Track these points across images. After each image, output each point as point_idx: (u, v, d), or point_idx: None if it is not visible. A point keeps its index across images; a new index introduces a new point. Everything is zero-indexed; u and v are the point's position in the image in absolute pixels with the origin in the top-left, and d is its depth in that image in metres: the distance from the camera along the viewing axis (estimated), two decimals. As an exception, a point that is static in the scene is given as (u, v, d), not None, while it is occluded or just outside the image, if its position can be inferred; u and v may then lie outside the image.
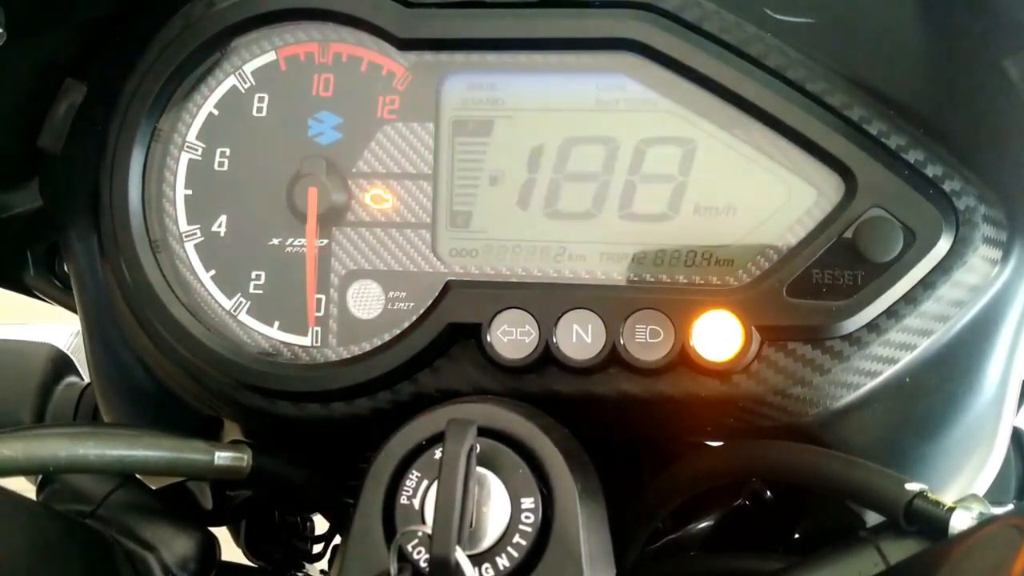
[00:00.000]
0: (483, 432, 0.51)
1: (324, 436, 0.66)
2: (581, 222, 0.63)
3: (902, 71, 0.60)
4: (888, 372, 0.60)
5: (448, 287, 0.62)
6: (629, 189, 0.62)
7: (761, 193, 0.61)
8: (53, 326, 1.46)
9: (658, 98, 0.62)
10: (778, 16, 0.61)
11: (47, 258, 0.81)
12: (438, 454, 0.51)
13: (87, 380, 0.90)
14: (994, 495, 0.76)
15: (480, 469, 0.50)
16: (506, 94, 0.63)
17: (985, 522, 0.46)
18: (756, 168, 0.61)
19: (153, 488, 0.70)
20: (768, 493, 0.78)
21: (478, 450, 0.50)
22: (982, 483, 0.65)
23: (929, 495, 0.51)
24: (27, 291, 0.84)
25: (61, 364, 0.89)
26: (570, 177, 0.63)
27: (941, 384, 0.61)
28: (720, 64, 0.59)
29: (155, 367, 0.69)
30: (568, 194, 0.63)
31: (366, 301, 0.64)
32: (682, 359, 0.58)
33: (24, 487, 0.60)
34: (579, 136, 0.63)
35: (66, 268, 0.80)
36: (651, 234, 0.62)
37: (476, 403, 0.54)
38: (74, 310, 0.80)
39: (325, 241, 0.65)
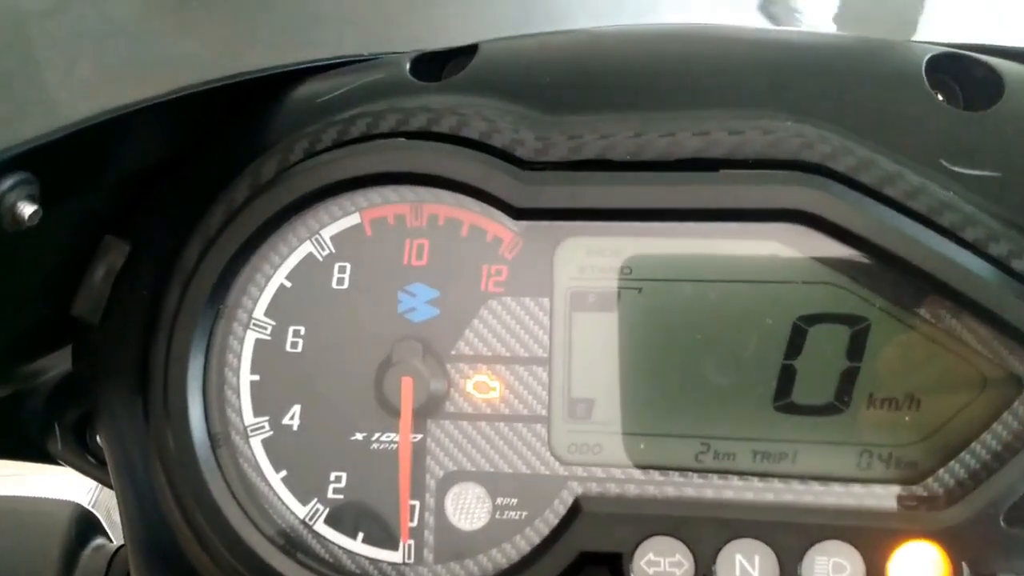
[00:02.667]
0: None
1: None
2: (729, 414, 0.52)
3: None
4: None
5: (578, 505, 0.51)
6: (787, 375, 0.52)
7: (949, 383, 0.50)
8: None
9: (822, 269, 0.52)
10: (958, 169, 0.52)
11: (77, 428, 0.71)
12: None
13: (116, 543, 0.81)
14: None
15: None
16: (635, 262, 0.53)
17: None
18: (944, 353, 0.50)
19: None
20: None
21: None
22: None
23: None
24: (52, 461, 0.74)
25: (86, 525, 0.82)
26: (713, 361, 0.53)
27: None
28: (907, 237, 0.49)
29: (208, 576, 0.58)
30: (711, 381, 0.53)
31: (469, 509, 0.54)
32: (874, 600, 0.48)
33: None
34: (724, 312, 0.52)
35: (99, 440, 0.70)
36: (815, 428, 0.52)
37: None
38: (107, 484, 0.70)
39: (419, 436, 0.54)
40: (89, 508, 0.85)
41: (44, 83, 0.53)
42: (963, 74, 0.55)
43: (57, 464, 0.74)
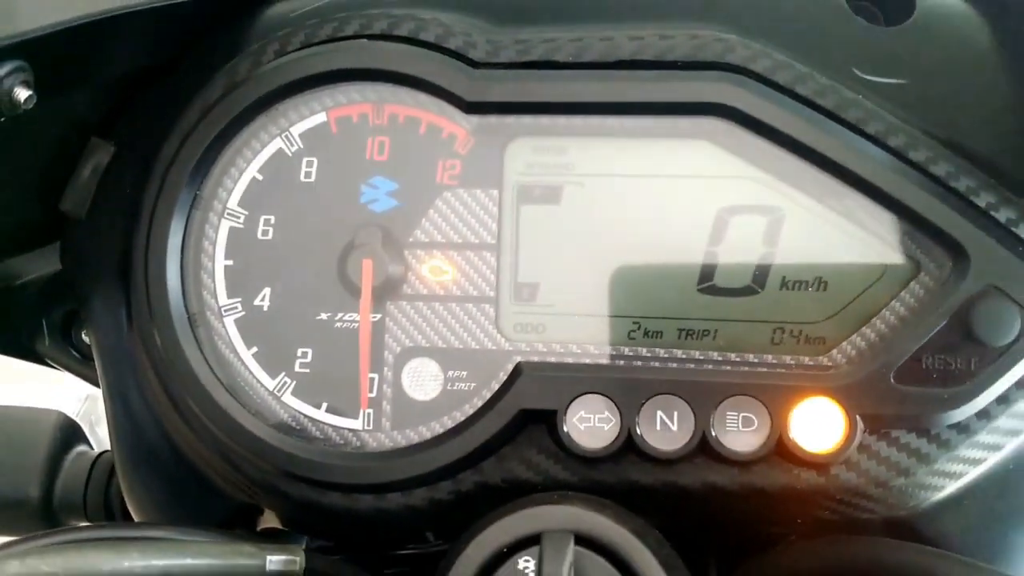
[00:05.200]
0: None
1: (375, 527, 0.61)
2: (657, 296, 0.58)
3: (1000, 136, 0.56)
4: (993, 460, 0.55)
5: (519, 369, 0.57)
6: (710, 260, 0.58)
7: (854, 266, 0.56)
8: (61, 386, 1.40)
9: (742, 164, 0.57)
10: (868, 77, 0.57)
11: (64, 326, 0.76)
12: (522, 563, 0.46)
13: (97, 449, 0.85)
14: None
15: None
16: (577, 159, 0.59)
17: None
18: (849, 240, 0.56)
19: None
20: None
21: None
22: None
23: None
24: (40, 360, 0.78)
25: (70, 433, 0.84)
26: (644, 248, 0.58)
27: None
28: (816, 130, 0.55)
29: (188, 449, 0.63)
30: (643, 266, 0.58)
31: (423, 381, 0.59)
32: (778, 450, 0.54)
33: None
34: (655, 204, 0.58)
35: (85, 337, 0.75)
36: (734, 309, 0.57)
37: (559, 503, 0.49)
38: (92, 381, 0.75)
39: (379, 316, 0.60)
40: (74, 419, 0.89)
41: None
42: None
43: (45, 364, 0.79)
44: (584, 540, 0.47)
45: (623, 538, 0.47)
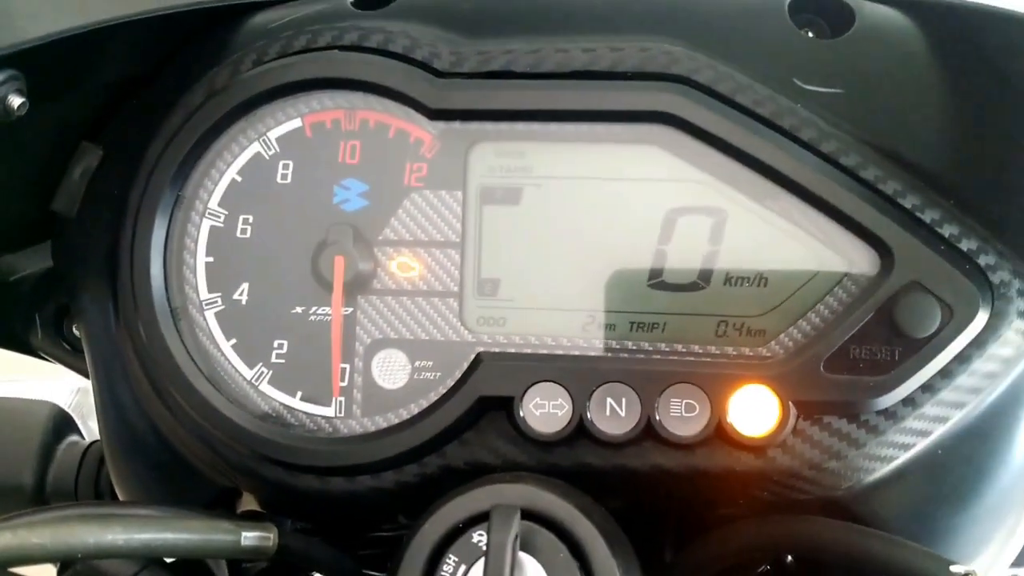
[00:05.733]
0: (523, 515, 0.50)
1: (347, 509, 0.65)
2: (610, 291, 0.62)
3: (931, 142, 0.61)
4: (921, 445, 0.59)
5: (479, 359, 0.61)
6: (659, 258, 0.62)
7: (792, 264, 0.60)
8: (54, 381, 1.44)
9: (689, 168, 0.61)
10: (807, 87, 0.62)
11: (56, 320, 0.79)
12: (476, 537, 0.50)
13: (88, 439, 0.88)
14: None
15: (520, 553, 0.49)
16: (535, 162, 0.63)
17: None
18: (788, 239, 0.60)
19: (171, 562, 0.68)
20: (789, 559, 0.77)
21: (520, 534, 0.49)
22: (1010, 552, 0.65)
23: None
24: (33, 352, 0.82)
25: (62, 423, 0.87)
26: (599, 246, 0.62)
27: (971, 456, 0.60)
28: (753, 137, 0.59)
29: (171, 436, 0.67)
30: (597, 263, 0.62)
31: (392, 371, 0.63)
32: (718, 433, 0.58)
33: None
34: (609, 205, 0.62)
35: (76, 330, 0.79)
36: (681, 303, 0.61)
37: (512, 483, 0.53)
38: (83, 372, 0.78)
39: (350, 309, 0.64)
40: (66, 410, 0.93)
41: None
42: (822, 9, 0.65)
43: (38, 356, 0.83)
44: (533, 516, 0.51)
45: (568, 512, 0.51)
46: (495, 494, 0.51)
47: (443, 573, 0.50)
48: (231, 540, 0.56)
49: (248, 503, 0.69)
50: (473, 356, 0.62)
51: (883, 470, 0.59)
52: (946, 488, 0.61)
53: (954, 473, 0.60)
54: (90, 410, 0.78)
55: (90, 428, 1.04)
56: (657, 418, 0.58)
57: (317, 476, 0.62)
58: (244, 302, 0.65)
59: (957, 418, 0.59)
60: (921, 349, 0.57)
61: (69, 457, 0.84)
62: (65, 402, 0.90)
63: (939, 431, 0.59)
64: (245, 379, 0.64)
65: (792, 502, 0.60)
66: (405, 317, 0.63)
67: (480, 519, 0.51)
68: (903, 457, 0.59)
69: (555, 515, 0.51)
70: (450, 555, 0.50)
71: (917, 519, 0.61)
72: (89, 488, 0.81)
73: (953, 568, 0.51)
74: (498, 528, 0.47)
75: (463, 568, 0.50)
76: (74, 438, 0.88)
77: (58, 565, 0.63)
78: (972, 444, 0.60)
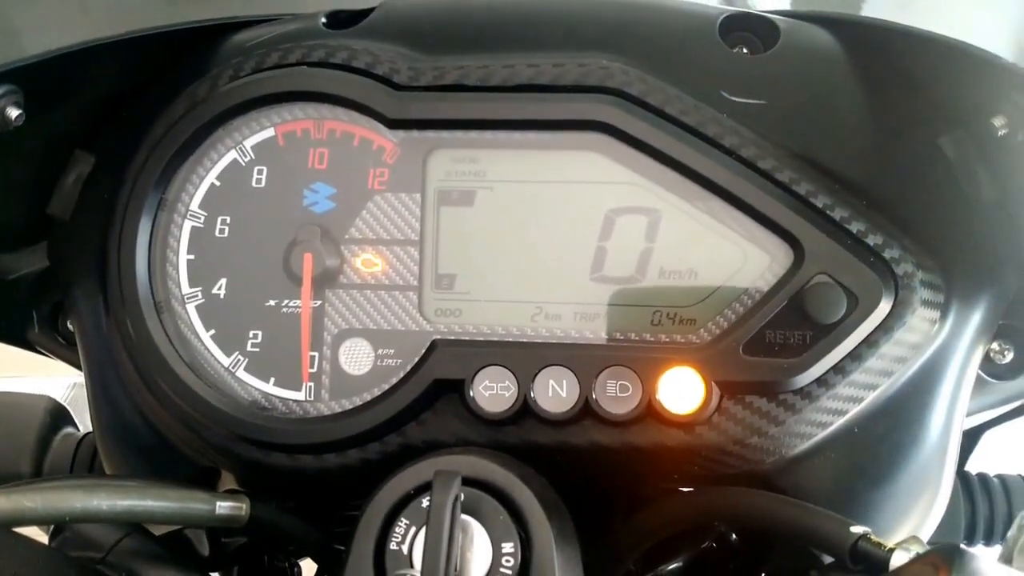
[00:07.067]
0: (467, 482, 0.56)
1: (316, 485, 0.70)
2: (556, 284, 0.68)
3: (846, 148, 0.67)
4: (838, 423, 0.65)
5: (434, 345, 0.67)
6: (600, 254, 0.68)
7: (719, 259, 0.66)
8: (50, 379, 1.50)
9: (626, 172, 0.67)
10: (734, 99, 0.68)
11: (51, 316, 0.85)
12: (425, 503, 0.55)
13: (83, 431, 0.94)
14: (945, 536, 0.81)
15: (464, 516, 0.55)
16: (487, 167, 0.69)
17: (912, 561, 0.51)
18: (715, 236, 0.66)
19: (156, 535, 0.73)
20: (734, 536, 0.83)
21: (462, 499, 0.54)
22: (929, 525, 0.70)
23: (872, 537, 0.56)
24: (30, 347, 0.88)
25: (58, 416, 0.92)
26: (546, 243, 0.68)
27: (887, 434, 0.66)
28: (680, 144, 0.65)
29: (156, 420, 0.73)
30: (544, 258, 0.68)
31: (357, 358, 0.69)
32: (649, 412, 0.63)
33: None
34: (554, 206, 0.68)
35: (70, 325, 0.85)
36: (620, 295, 0.67)
37: (460, 455, 0.59)
38: (76, 365, 0.84)
39: (319, 302, 0.70)
40: (62, 403, 0.98)
41: (32, 18, 0.68)
42: (751, 28, 0.71)
43: (35, 350, 0.89)
44: (477, 483, 0.57)
45: (507, 479, 0.56)
46: (441, 463, 0.57)
47: (395, 534, 0.55)
48: (206, 508, 0.61)
49: (227, 483, 0.75)
50: (429, 343, 0.67)
51: (803, 446, 0.65)
52: (864, 464, 0.66)
53: (871, 450, 0.66)
54: (84, 404, 0.83)
55: (84, 421, 1.10)
56: (594, 397, 0.64)
57: (288, 454, 0.68)
58: (222, 296, 0.71)
59: (871, 398, 0.65)
60: (830, 334, 0.63)
61: (64, 447, 0.89)
62: (61, 396, 0.95)
63: (854, 410, 0.65)
64: (223, 366, 0.70)
65: (721, 476, 0.66)
66: (369, 309, 0.69)
67: (429, 487, 0.56)
68: (821, 434, 0.65)
69: (496, 482, 0.57)
70: (402, 518, 0.56)
71: (839, 493, 0.66)
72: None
73: (852, 528, 0.56)
74: (439, 490, 0.53)
75: (413, 529, 0.55)
76: (69, 429, 0.93)
77: (50, 530, 0.69)
78: (887, 423, 0.66)
